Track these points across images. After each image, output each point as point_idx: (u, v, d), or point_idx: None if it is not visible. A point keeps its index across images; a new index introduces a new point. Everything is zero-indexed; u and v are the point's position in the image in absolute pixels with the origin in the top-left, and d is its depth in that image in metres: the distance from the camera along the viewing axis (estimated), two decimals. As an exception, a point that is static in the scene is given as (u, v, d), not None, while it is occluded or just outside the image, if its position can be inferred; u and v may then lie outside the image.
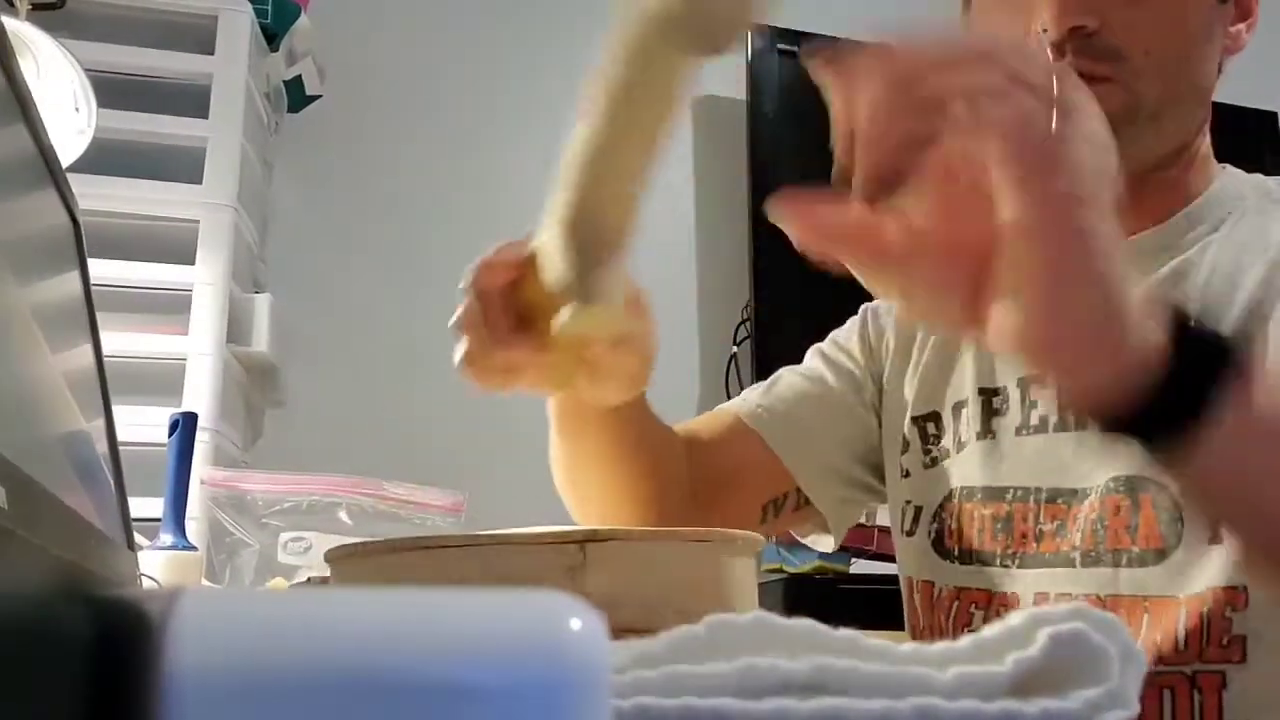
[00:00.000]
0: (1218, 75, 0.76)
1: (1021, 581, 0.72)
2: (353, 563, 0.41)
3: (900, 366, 0.86)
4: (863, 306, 0.92)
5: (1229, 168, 0.78)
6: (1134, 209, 0.75)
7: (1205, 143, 0.77)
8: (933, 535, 0.79)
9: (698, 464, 0.83)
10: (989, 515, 0.76)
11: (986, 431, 0.78)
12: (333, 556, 0.42)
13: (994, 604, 0.74)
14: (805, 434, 0.85)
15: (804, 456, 0.84)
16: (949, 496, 0.79)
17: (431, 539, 0.39)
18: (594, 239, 0.40)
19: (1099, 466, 0.70)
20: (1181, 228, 0.74)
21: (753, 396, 0.90)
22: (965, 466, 0.78)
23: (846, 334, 0.91)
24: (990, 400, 0.78)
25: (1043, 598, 0.71)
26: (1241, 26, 0.75)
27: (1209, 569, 0.65)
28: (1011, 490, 0.75)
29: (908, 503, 0.82)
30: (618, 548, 0.37)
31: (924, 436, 0.83)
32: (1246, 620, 0.64)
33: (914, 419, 0.83)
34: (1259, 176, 0.77)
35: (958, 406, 0.81)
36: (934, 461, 0.82)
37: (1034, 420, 0.75)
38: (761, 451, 0.84)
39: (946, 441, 0.81)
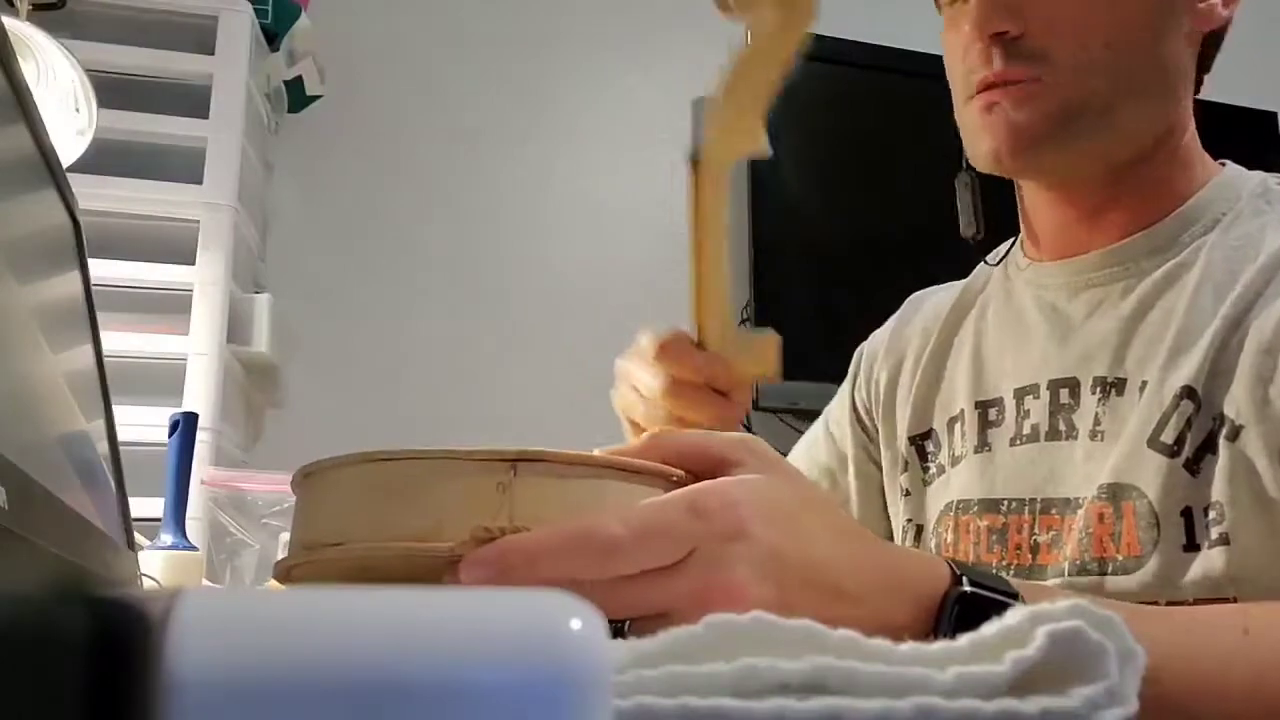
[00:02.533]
0: (1197, 56, 0.73)
1: None
2: (309, 483, 0.43)
3: (892, 396, 0.87)
4: (855, 353, 0.93)
5: (1230, 165, 0.76)
6: (1117, 208, 0.73)
7: (1190, 136, 0.74)
8: (935, 547, 0.79)
9: None
10: (985, 527, 0.75)
11: (983, 444, 0.77)
12: (295, 481, 0.44)
13: None
14: None
15: None
16: (946, 509, 0.79)
17: (375, 454, 0.41)
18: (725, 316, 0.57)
19: (1090, 475, 0.69)
20: (1174, 229, 0.72)
21: None
22: (962, 479, 0.78)
23: (838, 408, 0.92)
24: (986, 412, 0.78)
25: None
26: (1216, 1, 0.72)
27: (1193, 578, 0.63)
28: (1007, 501, 0.74)
29: (909, 521, 0.82)
30: (545, 468, 0.39)
31: (921, 455, 0.83)
32: None
33: (910, 439, 0.83)
34: (1260, 174, 0.75)
35: (952, 421, 0.81)
36: (932, 479, 0.82)
37: (1026, 429, 0.74)
38: None
39: (943, 457, 0.81)
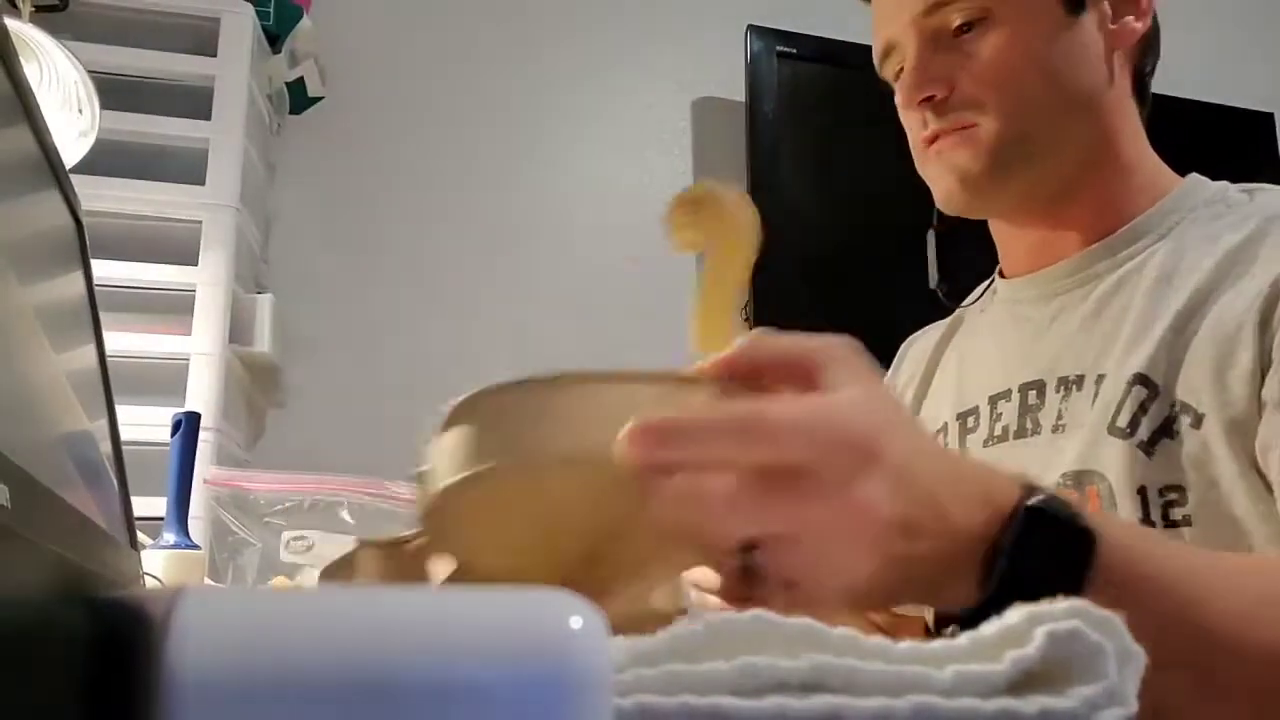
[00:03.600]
0: (1131, 66, 0.78)
1: None
2: (465, 409, 0.45)
3: None
4: None
5: (1195, 177, 0.80)
6: (1074, 223, 0.78)
7: (1138, 151, 0.79)
8: None
9: None
10: None
11: (960, 451, 0.80)
12: (450, 411, 0.46)
13: None
14: None
15: None
16: None
17: (591, 375, 0.43)
18: None
19: (1049, 466, 0.72)
20: (1129, 237, 0.76)
21: None
22: None
23: None
24: (965, 421, 0.82)
25: None
26: (1129, 19, 0.77)
27: None
28: None
29: None
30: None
31: None
32: None
33: None
34: (1223, 184, 0.79)
35: (935, 435, 0.84)
36: None
37: (998, 431, 0.78)
38: None
39: None
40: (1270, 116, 2.21)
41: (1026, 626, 0.26)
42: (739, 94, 1.98)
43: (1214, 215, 0.75)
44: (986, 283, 0.90)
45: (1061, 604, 0.26)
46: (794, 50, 1.99)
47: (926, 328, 0.97)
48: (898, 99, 0.80)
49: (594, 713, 0.20)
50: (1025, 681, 0.26)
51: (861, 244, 1.96)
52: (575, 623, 0.21)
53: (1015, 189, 0.77)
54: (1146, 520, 0.67)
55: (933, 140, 0.77)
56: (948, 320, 0.93)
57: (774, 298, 1.91)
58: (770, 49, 1.99)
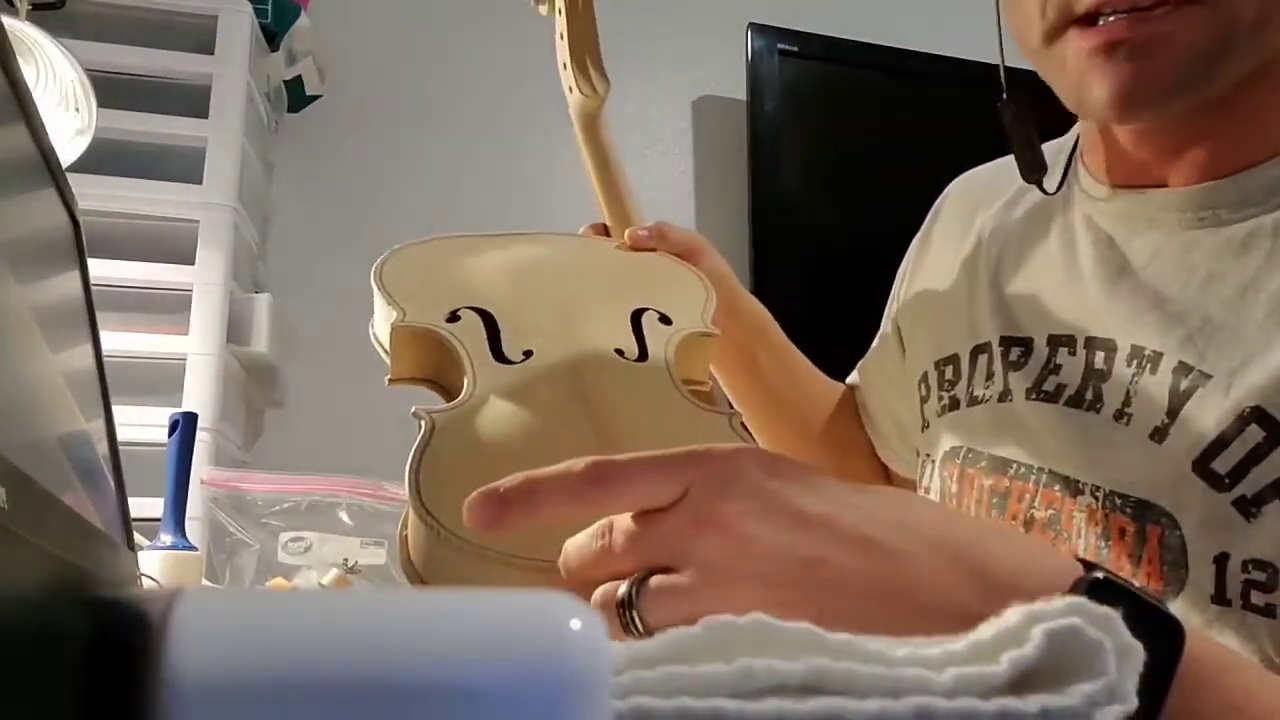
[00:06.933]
0: None
1: None
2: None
3: (918, 307, 0.79)
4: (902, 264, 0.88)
5: None
6: (1209, 141, 0.59)
7: None
8: (940, 492, 0.71)
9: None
10: (989, 487, 0.66)
11: (1005, 390, 0.66)
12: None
13: None
14: (871, 389, 0.89)
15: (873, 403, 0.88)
16: (953, 453, 0.69)
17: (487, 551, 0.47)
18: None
19: (1099, 461, 0.59)
20: (1267, 184, 0.57)
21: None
22: (974, 425, 0.68)
23: (884, 322, 0.88)
24: (1010, 351, 0.67)
25: None
26: None
27: (1225, 640, 0.52)
28: (1016, 465, 0.64)
29: (928, 456, 0.74)
30: None
31: (941, 381, 0.73)
32: None
33: (936, 363, 0.74)
34: None
35: (976, 351, 0.70)
36: (944, 410, 0.72)
37: (1050, 386, 0.63)
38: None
39: (960, 390, 0.71)
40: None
41: (1024, 626, 0.26)
42: (740, 92, 1.99)
43: None
44: (1066, 156, 0.70)
45: (1059, 601, 0.26)
46: (795, 48, 1.99)
47: (976, 172, 0.81)
48: None
49: (592, 714, 0.20)
50: (1025, 680, 0.26)
51: (863, 243, 1.96)
52: (574, 624, 0.21)
53: (1211, 88, 0.55)
54: (1219, 595, 0.52)
55: (1089, 20, 0.54)
56: (1007, 178, 0.72)
57: (775, 296, 1.92)
58: (771, 47, 1.99)
